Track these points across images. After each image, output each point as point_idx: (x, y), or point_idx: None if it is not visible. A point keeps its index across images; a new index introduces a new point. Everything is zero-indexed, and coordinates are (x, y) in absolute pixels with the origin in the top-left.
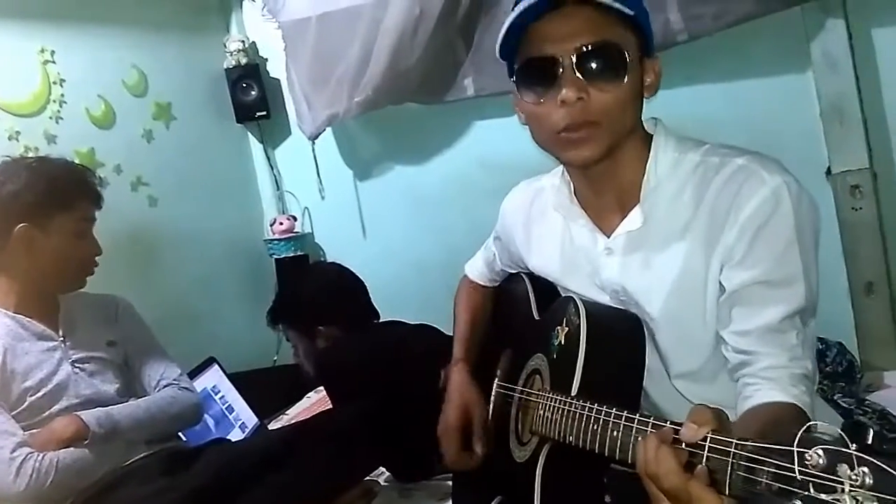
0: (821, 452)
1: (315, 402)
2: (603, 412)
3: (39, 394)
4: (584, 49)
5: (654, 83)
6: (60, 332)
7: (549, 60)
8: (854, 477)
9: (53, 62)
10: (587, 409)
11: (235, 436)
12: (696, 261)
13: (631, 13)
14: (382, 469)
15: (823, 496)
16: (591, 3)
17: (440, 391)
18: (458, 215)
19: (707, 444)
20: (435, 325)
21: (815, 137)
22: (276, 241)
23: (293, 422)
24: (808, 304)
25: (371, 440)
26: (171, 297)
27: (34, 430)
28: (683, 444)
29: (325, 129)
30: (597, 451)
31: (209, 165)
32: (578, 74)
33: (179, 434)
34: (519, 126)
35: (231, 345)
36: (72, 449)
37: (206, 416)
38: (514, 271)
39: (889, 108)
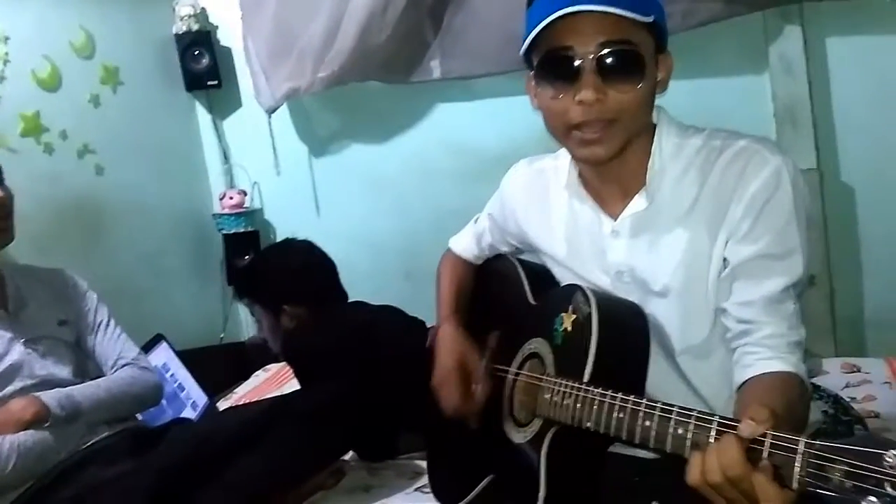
0: None
1: (264, 380)
2: (631, 401)
3: None
4: (605, 49)
5: (665, 79)
6: (10, 310)
7: (570, 58)
8: None
9: None
10: (609, 397)
11: (188, 414)
12: (700, 238)
13: (649, 19)
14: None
15: None
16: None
17: (424, 353)
18: (418, 198)
19: (768, 440)
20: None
21: (766, 136)
22: (225, 216)
23: (261, 399)
24: (804, 276)
25: (343, 421)
26: (117, 271)
27: None
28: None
29: (283, 103)
30: (623, 438)
31: (157, 134)
32: (598, 74)
33: (138, 417)
34: (482, 111)
35: (176, 321)
36: (32, 431)
37: None
38: (504, 249)
39: (837, 112)
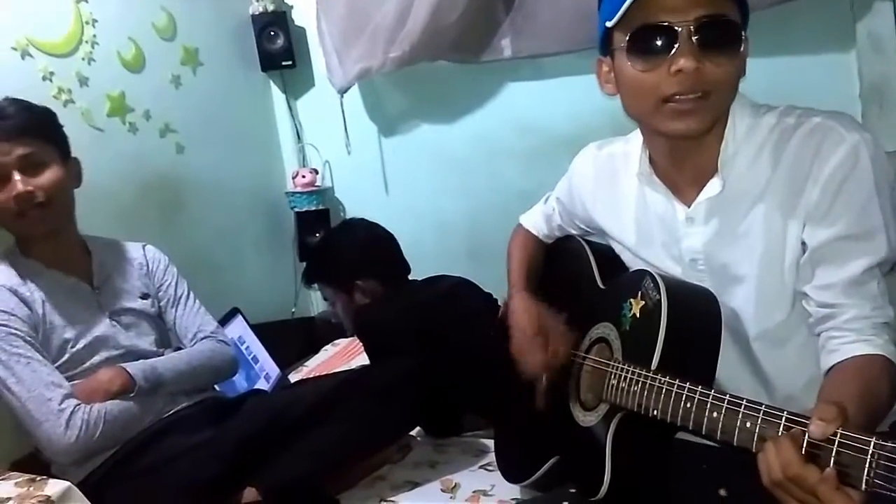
0: None
1: (332, 354)
2: (699, 392)
3: (79, 345)
4: (704, 20)
5: (745, 56)
6: (95, 284)
7: (667, 29)
8: None
9: (86, 1)
10: (678, 386)
11: (261, 386)
12: (776, 220)
13: None
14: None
15: None
16: None
17: (497, 326)
18: (485, 178)
19: (837, 439)
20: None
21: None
22: (297, 194)
23: (333, 373)
24: (889, 255)
25: (413, 397)
26: (196, 246)
27: (76, 381)
28: (806, 441)
29: (355, 83)
30: (690, 428)
31: (233, 114)
32: (696, 44)
33: (214, 386)
34: (551, 90)
35: (250, 296)
36: (118, 400)
37: None
38: (573, 232)
39: None
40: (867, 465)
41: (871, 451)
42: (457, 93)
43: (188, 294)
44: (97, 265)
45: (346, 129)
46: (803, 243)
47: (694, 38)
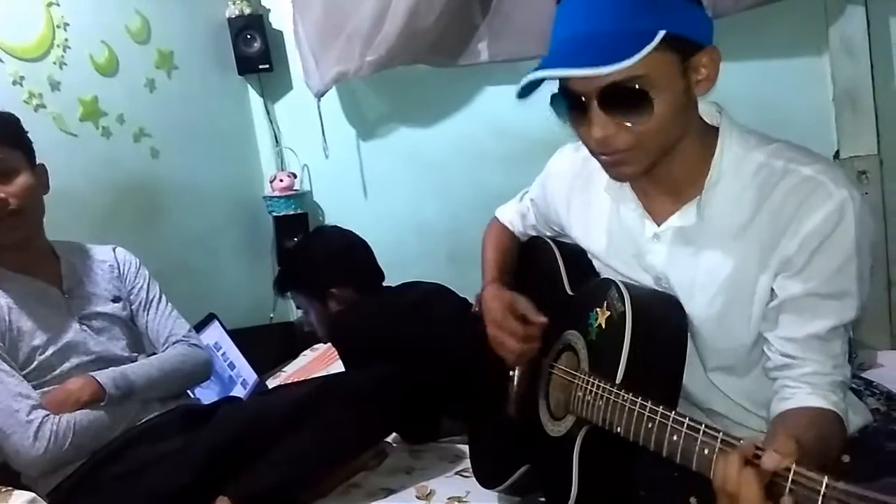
0: None
1: (311, 360)
2: (660, 413)
3: (48, 352)
4: (608, 89)
5: (709, 75)
6: (64, 289)
7: (575, 96)
8: None
9: (57, 4)
10: (639, 405)
11: (237, 393)
12: (749, 264)
13: (656, 40)
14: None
15: None
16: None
17: (471, 321)
18: (464, 181)
19: (791, 476)
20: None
21: (825, 121)
22: (275, 199)
23: (308, 379)
24: (856, 317)
25: (389, 403)
26: (171, 250)
27: (45, 389)
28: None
29: (332, 87)
30: (651, 449)
31: (210, 118)
32: (604, 112)
33: (189, 392)
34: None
35: (228, 301)
36: (87, 410)
37: None
38: (547, 232)
39: None
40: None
41: (822, 493)
42: (435, 96)
43: (160, 297)
44: (66, 269)
45: (323, 132)
46: (773, 291)
47: (599, 107)
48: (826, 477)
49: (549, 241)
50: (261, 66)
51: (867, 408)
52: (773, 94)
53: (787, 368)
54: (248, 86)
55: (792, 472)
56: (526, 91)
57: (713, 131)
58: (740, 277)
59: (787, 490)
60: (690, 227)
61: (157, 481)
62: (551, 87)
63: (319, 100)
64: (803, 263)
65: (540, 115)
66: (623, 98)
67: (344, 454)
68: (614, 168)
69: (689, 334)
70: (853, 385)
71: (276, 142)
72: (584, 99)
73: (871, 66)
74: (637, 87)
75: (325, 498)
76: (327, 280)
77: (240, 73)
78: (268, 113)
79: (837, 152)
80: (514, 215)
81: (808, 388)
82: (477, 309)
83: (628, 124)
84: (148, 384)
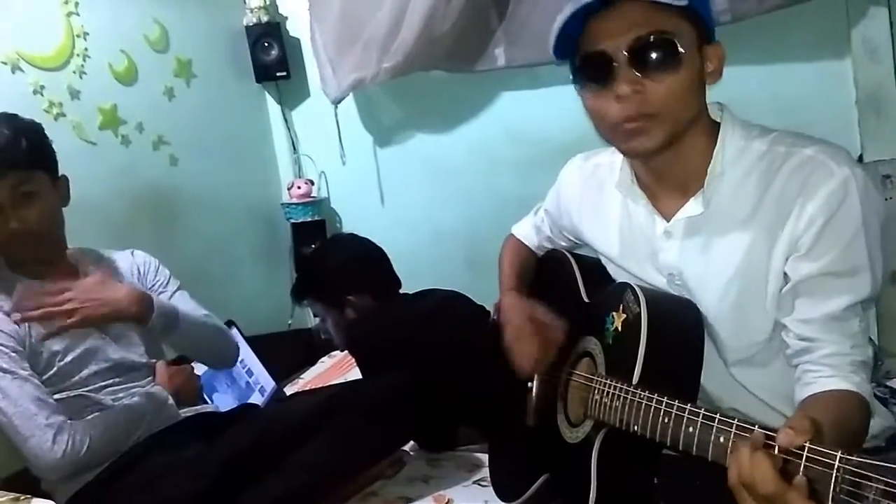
0: None
1: (329, 367)
2: (676, 406)
3: (68, 359)
4: (637, 43)
5: (717, 69)
6: None
7: (604, 56)
8: None
9: (77, 14)
10: (656, 401)
11: (255, 400)
12: (759, 250)
13: (684, 3)
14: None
15: None
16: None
17: (489, 329)
18: (481, 187)
19: (805, 453)
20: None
21: (848, 124)
22: (293, 206)
23: (325, 387)
24: (871, 293)
25: (407, 411)
26: (190, 258)
27: (61, 396)
28: (777, 450)
29: (349, 94)
30: (668, 444)
31: (228, 126)
32: (633, 68)
33: (207, 399)
34: (547, 99)
35: (246, 308)
36: (103, 416)
37: (225, 379)
38: (562, 244)
39: None
40: (833, 480)
41: (836, 466)
42: (451, 102)
43: (181, 291)
44: (83, 273)
45: (340, 139)
46: (785, 275)
47: (629, 62)
48: (840, 451)
49: (565, 252)
50: (278, 74)
51: (894, 416)
52: (795, 98)
53: (807, 352)
54: (266, 93)
55: (806, 449)
56: (559, 48)
57: (716, 126)
58: (752, 263)
59: (801, 468)
60: (698, 216)
61: (173, 489)
62: (572, 90)
63: (336, 107)
64: (812, 243)
65: (556, 120)
66: (654, 50)
67: (360, 463)
68: (633, 138)
69: (706, 332)
70: (878, 393)
71: (294, 149)
72: (612, 59)
73: (895, 68)
74: (669, 39)
75: None
76: (344, 288)
77: (257, 81)
78: (285, 120)
79: (861, 156)
80: (530, 229)
81: (829, 371)
82: (496, 318)
83: (655, 83)
84: (190, 328)
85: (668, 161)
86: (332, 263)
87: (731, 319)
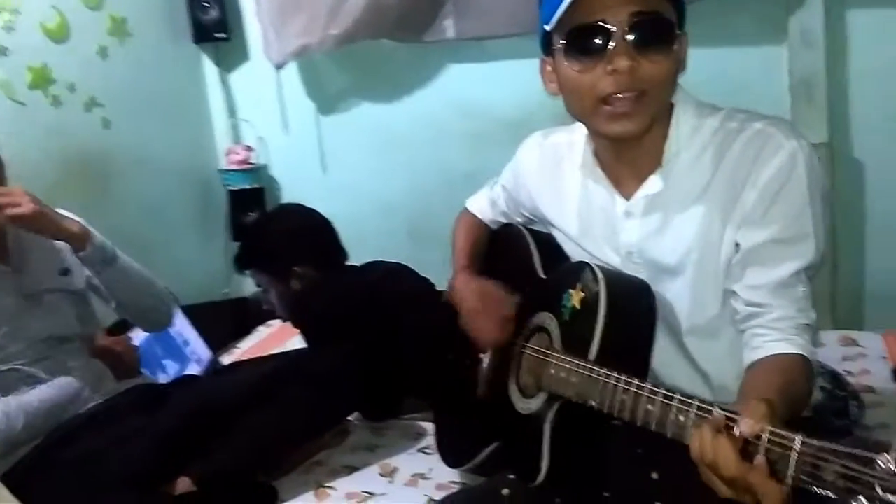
0: (888, 458)
1: (266, 336)
2: (634, 384)
3: None
4: (637, 18)
5: (683, 59)
6: (13, 265)
7: (601, 28)
8: None
9: None
10: (615, 378)
11: (192, 370)
12: (714, 220)
13: None
14: None
15: (891, 496)
16: None
17: (441, 306)
18: (427, 159)
19: (766, 436)
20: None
21: (781, 108)
22: (230, 172)
23: (266, 357)
24: (816, 260)
25: (353, 382)
26: (122, 224)
27: None
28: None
29: (293, 60)
30: (626, 420)
31: (163, 87)
32: (631, 44)
33: (143, 372)
34: (496, 73)
35: (181, 277)
36: (37, 391)
37: (162, 350)
38: (518, 220)
39: (852, 87)
40: (793, 462)
41: (796, 449)
42: (399, 72)
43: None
44: (13, 243)
45: (283, 105)
46: (737, 244)
47: (628, 37)
48: (800, 435)
49: (521, 227)
50: (217, 35)
51: (819, 389)
52: (734, 80)
53: (755, 317)
54: (204, 55)
55: (766, 433)
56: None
57: (671, 107)
58: (708, 236)
59: (762, 450)
60: (657, 194)
61: (116, 464)
62: (522, 65)
63: (279, 72)
64: (763, 212)
65: (505, 95)
66: (652, 28)
67: (306, 433)
68: (619, 120)
69: (660, 307)
70: None
71: (232, 113)
72: (610, 30)
73: (826, 56)
74: (667, 20)
75: (287, 476)
76: (290, 259)
77: (195, 42)
78: (223, 83)
79: None
80: (485, 204)
81: (776, 334)
82: (449, 296)
83: (650, 62)
84: (126, 268)
85: (632, 142)
86: (278, 234)
87: (689, 292)
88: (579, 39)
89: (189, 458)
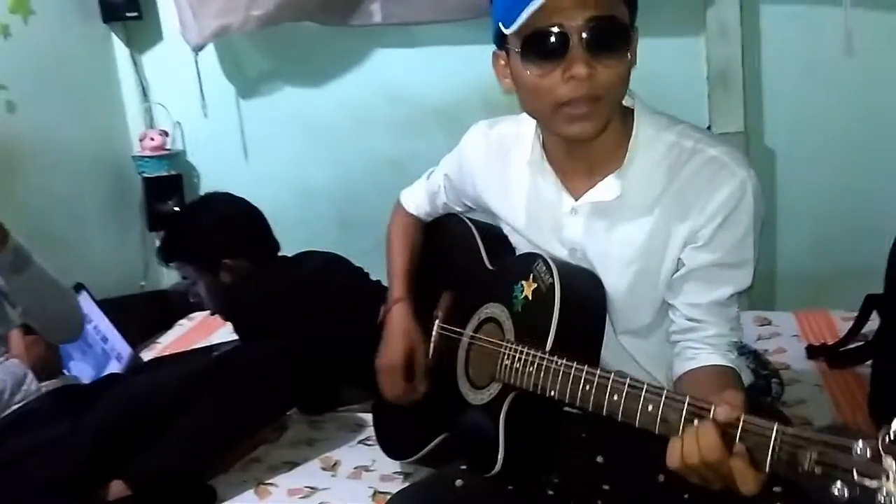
0: (864, 444)
1: (189, 329)
2: (597, 374)
3: None
4: (596, 24)
5: (635, 54)
6: None
7: (559, 34)
8: None
9: None
10: (576, 368)
11: (113, 367)
12: (659, 236)
13: None
14: None
15: (867, 481)
16: None
17: (374, 327)
18: (354, 146)
19: (741, 424)
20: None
21: (698, 98)
22: (145, 159)
23: (197, 352)
24: (750, 284)
25: (291, 376)
26: (30, 216)
27: None
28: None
29: (212, 41)
30: (590, 409)
31: (71, 69)
32: (587, 49)
33: (66, 372)
34: (423, 60)
35: (95, 270)
36: None
37: (80, 348)
38: (458, 209)
39: (765, 78)
40: (770, 450)
41: (773, 437)
42: (324, 56)
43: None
44: None
45: (201, 88)
46: (679, 261)
47: (585, 43)
48: (776, 423)
49: (464, 217)
50: (128, 14)
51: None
52: (654, 70)
53: (692, 331)
54: (113, 34)
55: (742, 421)
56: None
57: (629, 112)
58: (651, 248)
59: (738, 437)
60: (607, 202)
61: (42, 470)
62: (450, 52)
63: (197, 54)
64: (710, 236)
65: (433, 82)
66: (609, 33)
67: (245, 430)
68: (575, 123)
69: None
70: None
71: (145, 97)
72: (567, 35)
73: (742, 47)
74: (622, 25)
75: (225, 474)
76: (220, 250)
77: (104, 21)
78: (135, 65)
79: (709, 128)
80: (422, 196)
81: (709, 349)
82: (381, 321)
83: (605, 67)
84: (42, 272)
85: (587, 142)
86: (207, 225)
87: (626, 297)
88: (537, 44)
89: (122, 460)
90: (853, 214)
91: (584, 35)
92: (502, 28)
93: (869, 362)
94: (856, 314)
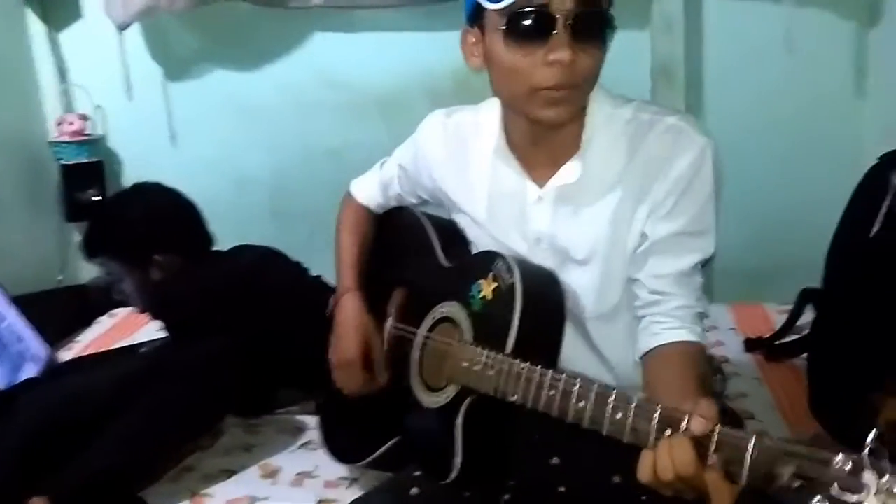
0: (844, 458)
1: (110, 327)
2: (562, 380)
3: None
4: (583, 10)
5: (607, 47)
6: None
7: (547, 16)
8: (884, 483)
9: None
10: (539, 373)
11: (29, 369)
12: (624, 210)
13: None
14: None
15: (847, 495)
16: None
17: (315, 324)
18: (291, 131)
19: (716, 436)
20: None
21: (642, 92)
22: (62, 144)
23: (127, 352)
24: (714, 252)
25: (228, 379)
26: None
27: None
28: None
29: (138, 20)
30: (554, 415)
31: None
32: (572, 34)
33: None
34: (364, 45)
35: (8, 263)
36: None
37: None
38: (412, 201)
39: (707, 72)
40: (747, 462)
41: (749, 449)
42: (259, 38)
43: None
44: None
45: (125, 69)
46: (643, 233)
47: (571, 27)
48: (754, 435)
49: (418, 212)
50: None
51: None
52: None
53: (657, 304)
54: (29, 10)
55: (717, 432)
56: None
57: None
58: (618, 225)
59: (714, 448)
60: (571, 184)
61: None
62: (391, 38)
63: (121, 32)
64: (672, 205)
65: (373, 68)
66: (594, 22)
67: (180, 437)
68: (555, 107)
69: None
70: None
71: (63, 78)
72: (555, 20)
73: (685, 43)
74: (607, 15)
75: (156, 485)
76: (150, 245)
77: None
78: (52, 43)
79: None
80: (374, 188)
81: (676, 322)
82: (331, 313)
83: (586, 55)
84: None
85: (554, 128)
86: (136, 217)
87: (596, 280)
88: (522, 24)
89: (42, 475)
90: (789, 208)
91: (571, 20)
92: (485, 3)
93: (805, 355)
94: (790, 308)
